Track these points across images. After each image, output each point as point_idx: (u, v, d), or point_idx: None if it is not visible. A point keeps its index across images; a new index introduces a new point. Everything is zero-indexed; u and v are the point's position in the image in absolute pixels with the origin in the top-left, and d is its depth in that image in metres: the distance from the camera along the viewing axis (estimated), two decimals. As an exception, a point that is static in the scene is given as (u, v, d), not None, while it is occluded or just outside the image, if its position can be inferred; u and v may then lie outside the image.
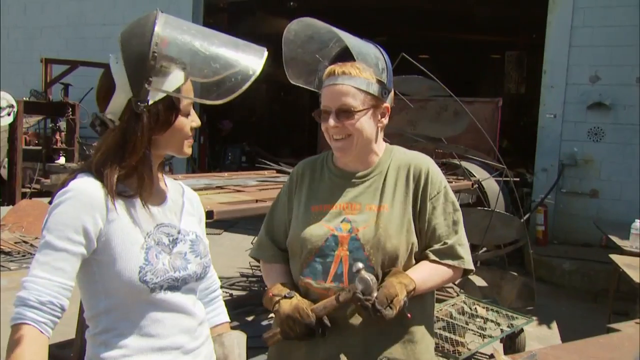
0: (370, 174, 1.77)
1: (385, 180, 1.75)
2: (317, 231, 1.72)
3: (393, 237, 1.67)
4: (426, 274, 1.69)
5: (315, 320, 1.62)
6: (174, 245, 1.42)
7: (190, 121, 1.43)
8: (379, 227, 1.68)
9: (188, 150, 1.44)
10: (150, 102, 1.33)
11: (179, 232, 1.45)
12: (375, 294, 1.54)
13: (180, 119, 1.39)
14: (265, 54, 1.36)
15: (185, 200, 1.54)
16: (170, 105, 1.37)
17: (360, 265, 1.58)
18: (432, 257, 1.72)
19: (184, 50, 1.34)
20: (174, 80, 1.34)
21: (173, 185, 1.55)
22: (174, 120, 1.38)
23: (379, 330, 1.66)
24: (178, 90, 1.35)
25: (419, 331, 1.74)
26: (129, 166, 1.35)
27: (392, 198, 1.73)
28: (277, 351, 1.81)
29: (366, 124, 1.69)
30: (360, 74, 1.67)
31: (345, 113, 1.66)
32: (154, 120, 1.35)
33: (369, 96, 1.68)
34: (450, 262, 1.72)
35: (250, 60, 1.35)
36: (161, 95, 1.34)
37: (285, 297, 1.68)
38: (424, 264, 1.72)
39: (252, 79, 1.32)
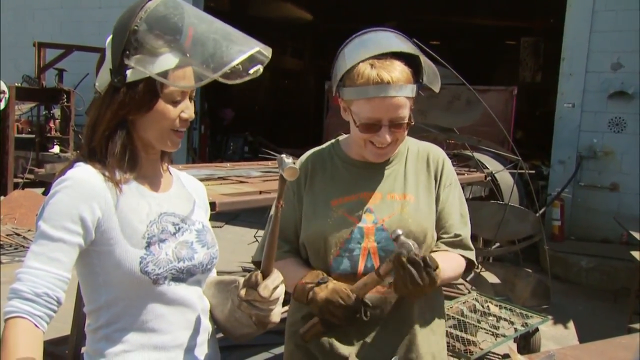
0: (390, 162, 1.75)
1: (405, 168, 1.75)
2: (340, 224, 1.68)
3: (424, 228, 1.67)
4: (446, 263, 1.64)
5: (356, 301, 1.55)
6: (180, 234, 1.40)
7: (179, 111, 1.37)
8: (407, 218, 1.66)
9: (171, 145, 1.39)
10: (130, 79, 1.31)
11: (184, 221, 1.42)
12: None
13: (161, 105, 1.34)
14: (256, 48, 1.27)
15: (191, 190, 1.53)
16: (151, 88, 1.32)
17: (399, 231, 1.52)
18: (446, 249, 1.72)
19: (177, 32, 1.29)
20: (163, 63, 1.29)
21: (179, 175, 1.55)
22: (154, 104, 1.33)
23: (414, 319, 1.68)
24: (165, 74, 1.29)
25: (440, 321, 1.78)
26: (98, 140, 1.34)
27: (416, 188, 1.73)
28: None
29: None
30: (405, 79, 1.61)
31: (399, 125, 1.63)
32: (130, 98, 1.32)
33: (412, 100, 1.65)
34: (463, 253, 1.73)
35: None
36: (144, 75, 1.30)
37: (319, 283, 1.60)
38: (442, 253, 1.69)
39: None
